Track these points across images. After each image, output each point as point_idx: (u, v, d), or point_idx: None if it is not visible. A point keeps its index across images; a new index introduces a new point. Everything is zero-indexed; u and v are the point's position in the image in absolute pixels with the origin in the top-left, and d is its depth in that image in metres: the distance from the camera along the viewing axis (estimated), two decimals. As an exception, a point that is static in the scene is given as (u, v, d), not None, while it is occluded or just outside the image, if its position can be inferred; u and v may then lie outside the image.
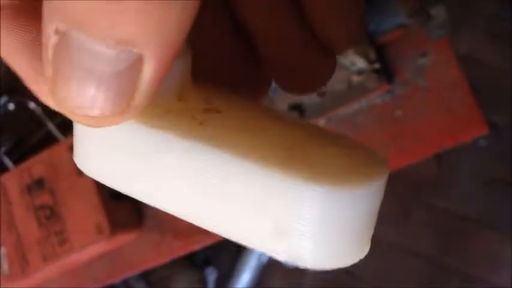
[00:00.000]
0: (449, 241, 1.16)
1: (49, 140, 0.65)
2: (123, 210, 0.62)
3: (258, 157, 0.13)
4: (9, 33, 0.14)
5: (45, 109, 0.66)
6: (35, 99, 0.66)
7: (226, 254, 1.31)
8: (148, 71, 0.11)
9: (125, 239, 0.63)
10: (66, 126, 0.67)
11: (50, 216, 0.61)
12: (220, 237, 0.54)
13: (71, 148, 0.60)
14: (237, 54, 0.18)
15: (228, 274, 1.32)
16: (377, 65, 0.52)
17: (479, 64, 1.15)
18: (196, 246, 0.63)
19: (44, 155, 0.62)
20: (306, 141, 0.14)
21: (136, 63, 0.11)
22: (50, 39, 0.11)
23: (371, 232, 0.14)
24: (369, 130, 0.56)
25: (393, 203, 1.21)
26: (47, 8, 0.11)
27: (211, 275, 1.33)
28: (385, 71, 0.53)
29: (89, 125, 0.12)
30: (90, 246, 0.59)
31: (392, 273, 1.18)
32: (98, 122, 0.12)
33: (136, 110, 0.12)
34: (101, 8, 0.10)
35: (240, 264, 1.29)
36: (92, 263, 0.65)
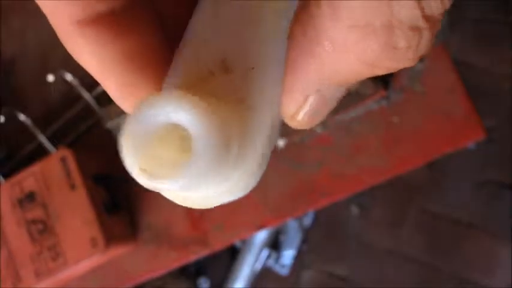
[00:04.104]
0: (442, 245, 1.17)
1: (40, 153, 0.64)
2: (117, 223, 0.61)
3: None
4: (104, 43, 0.15)
5: (36, 121, 0.65)
6: (25, 111, 0.65)
7: (219, 263, 1.30)
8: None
9: (119, 251, 0.62)
10: (57, 138, 0.65)
11: (42, 230, 0.60)
12: (217, 248, 0.52)
13: (62, 160, 0.59)
14: None
15: (221, 284, 1.30)
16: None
17: (468, 67, 1.16)
18: (192, 257, 0.62)
19: (35, 168, 0.60)
20: None
21: None
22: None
23: None
24: (366, 137, 0.55)
25: (386, 208, 1.20)
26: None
27: (204, 284, 1.31)
28: (381, 77, 0.53)
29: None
30: (84, 260, 0.58)
31: (387, 278, 1.18)
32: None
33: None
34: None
35: (233, 274, 1.28)
36: (86, 276, 0.64)
